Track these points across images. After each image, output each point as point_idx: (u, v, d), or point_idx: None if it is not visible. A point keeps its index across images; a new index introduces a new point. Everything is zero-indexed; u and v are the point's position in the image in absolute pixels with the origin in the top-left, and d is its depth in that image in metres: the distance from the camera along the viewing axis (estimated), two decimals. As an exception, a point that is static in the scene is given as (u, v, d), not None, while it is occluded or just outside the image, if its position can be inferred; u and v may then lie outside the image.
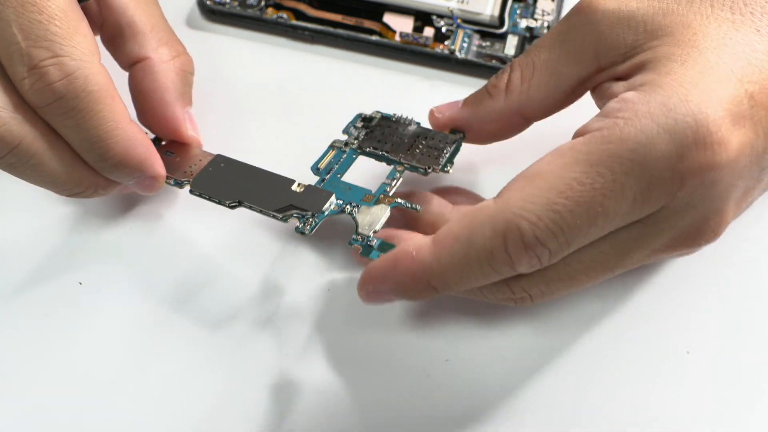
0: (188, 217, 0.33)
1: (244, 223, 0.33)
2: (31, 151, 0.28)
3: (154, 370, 0.30)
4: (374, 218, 0.30)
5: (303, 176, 0.31)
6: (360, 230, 0.29)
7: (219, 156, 0.32)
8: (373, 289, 0.27)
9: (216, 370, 0.30)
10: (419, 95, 0.36)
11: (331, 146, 0.32)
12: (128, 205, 0.34)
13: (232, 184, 0.31)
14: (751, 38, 0.25)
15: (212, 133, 0.34)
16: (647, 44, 0.26)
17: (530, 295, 0.27)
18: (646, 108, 0.24)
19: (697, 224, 0.25)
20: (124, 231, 0.33)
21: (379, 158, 0.32)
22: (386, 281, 0.27)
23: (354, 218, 0.30)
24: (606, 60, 0.27)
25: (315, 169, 0.31)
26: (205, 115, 0.35)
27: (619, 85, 0.26)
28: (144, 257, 0.32)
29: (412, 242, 0.26)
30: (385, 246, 0.28)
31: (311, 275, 0.32)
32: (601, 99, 0.28)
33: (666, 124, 0.24)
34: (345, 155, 0.32)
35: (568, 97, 0.29)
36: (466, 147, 0.32)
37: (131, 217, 0.33)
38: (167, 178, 0.31)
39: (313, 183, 0.31)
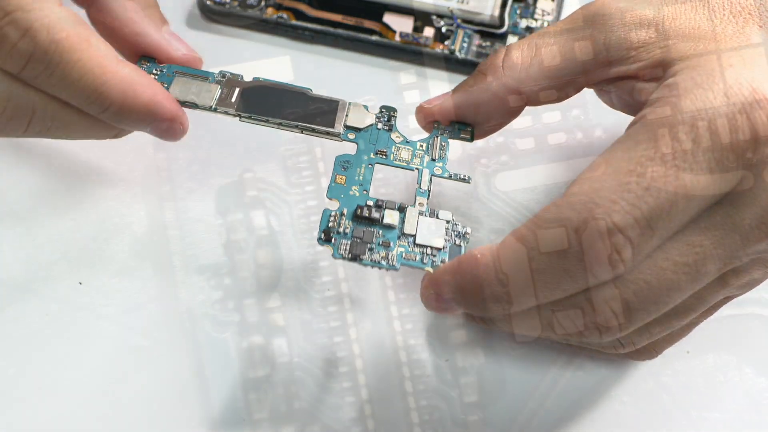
0: (187, 209, 0.33)
1: (243, 213, 0.33)
2: (49, 114, 0.27)
3: (157, 367, 0.30)
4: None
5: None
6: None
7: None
8: (435, 293, 0.25)
9: (220, 368, 0.30)
10: (419, 95, 0.36)
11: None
12: (126, 200, 0.34)
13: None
14: (756, 30, 0.26)
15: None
16: (661, 43, 0.26)
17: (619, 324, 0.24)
18: (692, 83, 0.24)
19: None
20: (124, 227, 0.33)
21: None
22: (448, 286, 0.25)
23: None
24: (616, 54, 0.27)
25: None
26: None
27: (650, 84, 0.26)
28: (143, 252, 0.32)
29: (480, 247, 0.25)
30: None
31: (311, 273, 0.32)
32: (626, 96, 0.27)
33: (721, 88, 0.23)
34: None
35: (568, 85, 0.28)
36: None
37: (130, 213, 0.33)
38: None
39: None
